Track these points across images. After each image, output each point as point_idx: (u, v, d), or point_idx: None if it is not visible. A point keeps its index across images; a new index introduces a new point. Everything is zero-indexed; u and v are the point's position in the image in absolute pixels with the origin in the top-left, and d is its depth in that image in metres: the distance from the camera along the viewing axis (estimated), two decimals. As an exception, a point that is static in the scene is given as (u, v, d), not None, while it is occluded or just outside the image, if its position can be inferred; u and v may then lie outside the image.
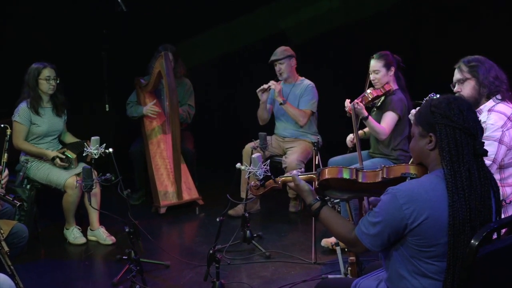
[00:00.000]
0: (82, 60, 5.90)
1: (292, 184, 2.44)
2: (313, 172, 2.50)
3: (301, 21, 6.20)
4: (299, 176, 2.43)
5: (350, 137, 4.41)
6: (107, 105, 5.46)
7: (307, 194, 2.36)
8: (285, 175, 2.58)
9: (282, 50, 4.96)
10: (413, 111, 3.45)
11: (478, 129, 2.04)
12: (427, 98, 3.09)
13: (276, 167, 4.86)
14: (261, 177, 3.42)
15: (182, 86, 5.37)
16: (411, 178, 2.14)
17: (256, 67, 6.21)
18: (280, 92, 4.88)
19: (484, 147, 2.02)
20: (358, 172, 2.36)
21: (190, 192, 5.15)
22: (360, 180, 2.34)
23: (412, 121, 2.21)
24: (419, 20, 5.85)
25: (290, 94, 5.00)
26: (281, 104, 4.89)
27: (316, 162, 4.11)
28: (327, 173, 2.40)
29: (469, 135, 2.00)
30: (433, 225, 1.95)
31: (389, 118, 4.21)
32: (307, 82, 5.04)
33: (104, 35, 5.36)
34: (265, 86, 4.88)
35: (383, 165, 2.34)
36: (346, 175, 2.36)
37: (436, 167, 2.06)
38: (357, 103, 4.06)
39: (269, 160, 3.64)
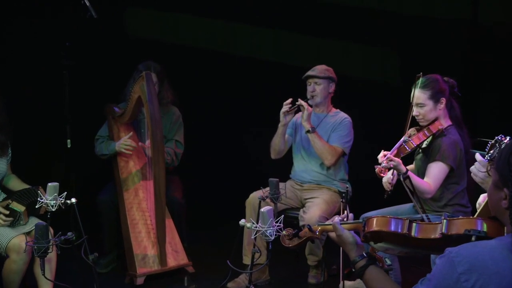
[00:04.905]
0: (36, 81, 5.91)
1: (332, 234, 2.61)
2: (359, 220, 2.63)
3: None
4: (342, 225, 2.56)
5: (388, 177, 4.23)
6: (69, 141, 5.40)
7: (351, 247, 2.51)
8: (325, 222, 2.78)
9: (323, 69, 5.06)
10: (478, 157, 3.03)
11: None
12: (493, 141, 2.94)
13: (291, 223, 4.77)
14: (272, 238, 3.43)
15: (168, 116, 5.38)
16: (478, 237, 2.17)
17: (264, 93, 6.28)
18: (310, 117, 4.89)
19: None
20: (411, 224, 2.45)
21: (176, 256, 5.09)
22: (413, 235, 2.43)
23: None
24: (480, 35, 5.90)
25: (320, 126, 5.04)
26: (307, 132, 4.89)
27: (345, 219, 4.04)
28: (375, 224, 2.52)
29: None
30: None
31: (437, 171, 4.14)
32: (343, 115, 5.10)
33: (67, 49, 5.36)
34: (288, 102, 4.88)
35: (444, 218, 2.39)
36: (396, 227, 2.48)
37: None
38: (391, 158, 3.96)
39: (282, 215, 3.57)
